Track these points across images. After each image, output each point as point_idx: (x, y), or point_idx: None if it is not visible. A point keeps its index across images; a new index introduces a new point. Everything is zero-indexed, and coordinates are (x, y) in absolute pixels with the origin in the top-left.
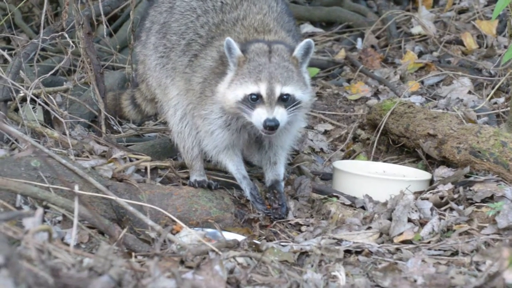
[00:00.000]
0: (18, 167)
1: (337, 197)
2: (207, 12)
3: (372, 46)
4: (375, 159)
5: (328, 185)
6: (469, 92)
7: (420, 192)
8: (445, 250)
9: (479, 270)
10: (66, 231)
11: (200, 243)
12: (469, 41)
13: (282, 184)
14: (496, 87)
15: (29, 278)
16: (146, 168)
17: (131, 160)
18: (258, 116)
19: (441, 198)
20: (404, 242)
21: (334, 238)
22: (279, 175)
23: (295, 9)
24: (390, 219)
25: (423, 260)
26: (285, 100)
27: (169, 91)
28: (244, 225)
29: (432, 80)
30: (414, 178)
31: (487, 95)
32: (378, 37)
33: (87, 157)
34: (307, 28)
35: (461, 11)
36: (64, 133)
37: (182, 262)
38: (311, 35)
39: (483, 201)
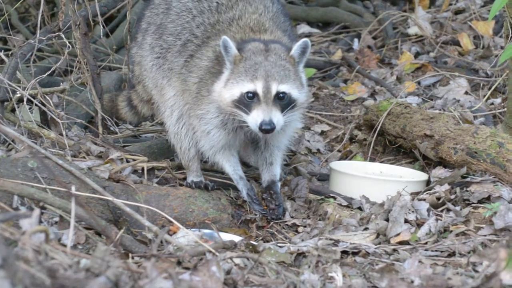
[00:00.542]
0: (15, 168)
1: (334, 198)
2: (202, 12)
3: (369, 47)
4: (372, 159)
5: (325, 186)
6: (466, 93)
7: (417, 193)
8: (442, 251)
9: (476, 271)
10: (63, 232)
11: (197, 244)
12: (466, 41)
13: (279, 184)
14: (493, 87)
15: (26, 279)
16: (143, 169)
17: (128, 161)
18: (254, 119)
19: (438, 199)
20: (401, 243)
21: (331, 239)
22: (275, 176)
23: (291, 10)
24: (387, 220)
25: (420, 261)
26: (282, 99)
27: (166, 92)
28: (241, 226)
29: (429, 80)
30: (411, 179)
31: (484, 96)
32: (374, 38)
33: (84, 157)
34: (304, 28)
35: (458, 12)
36: (61, 134)
37: (179, 263)
38: (307, 35)
39: (480, 202)
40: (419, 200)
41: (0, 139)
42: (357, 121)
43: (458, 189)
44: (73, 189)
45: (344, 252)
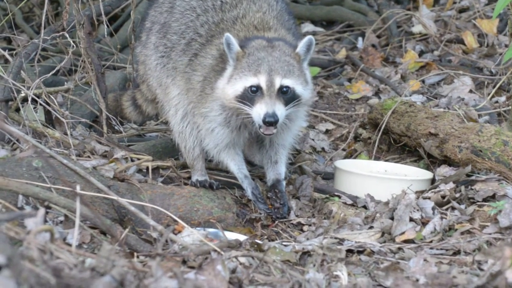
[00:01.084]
0: (19, 167)
1: (339, 197)
2: (206, 11)
3: (373, 45)
4: (377, 158)
5: (330, 185)
6: (470, 91)
7: (422, 192)
8: (447, 249)
9: (481, 269)
10: (68, 231)
11: (202, 243)
12: (470, 40)
13: (284, 183)
14: (497, 86)
15: (31, 279)
16: (147, 168)
17: (132, 160)
18: (257, 112)
19: (443, 197)
20: (406, 241)
21: (336, 238)
22: (280, 174)
23: (295, 9)
24: (392, 218)
25: (425, 260)
26: (285, 93)
27: (170, 91)
28: (246, 225)
29: (433, 79)
30: (416, 177)
31: (488, 94)
32: (378, 36)
33: (89, 157)
34: (308, 27)
35: (462, 10)
36: (66, 133)
37: (184, 262)
38: (311, 34)
39: (485, 200)
40: (424, 198)
41: (5, 138)
42: (362, 120)
43: (463, 188)
44: (78, 189)
45: (349, 251)
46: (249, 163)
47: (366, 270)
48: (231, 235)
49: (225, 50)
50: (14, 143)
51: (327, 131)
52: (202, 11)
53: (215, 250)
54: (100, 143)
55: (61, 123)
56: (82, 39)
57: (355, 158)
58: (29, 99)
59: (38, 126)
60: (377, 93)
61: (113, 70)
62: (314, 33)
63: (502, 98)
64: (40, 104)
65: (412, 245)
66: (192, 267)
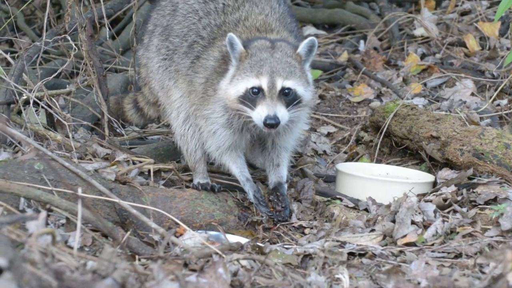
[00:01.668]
0: (21, 170)
1: (341, 200)
2: (209, 14)
3: (375, 48)
4: (378, 161)
5: (331, 188)
6: (472, 94)
7: (424, 194)
8: (448, 253)
9: (483, 273)
10: (70, 234)
11: (204, 246)
12: (472, 43)
13: (285, 186)
14: (499, 89)
15: (32, 281)
16: (149, 171)
17: (134, 163)
18: (258, 114)
19: (445, 200)
20: (408, 244)
21: (337, 241)
22: (282, 177)
23: (297, 11)
24: (394, 221)
25: (426, 263)
26: (287, 95)
27: (172, 94)
28: (248, 228)
29: (435, 82)
30: (417, 180)
31: (490, 97)
32: (380, 39)
33: (90, 160)
34: (310, 30)
35: (464, 13)
36: (67, 136)
37: (185, 265)
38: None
39: (487, 203)
40: (426, 201)
41: (7, 141)
42: (363, 123)
43: (464, 191)
44: (79, 191)
45: (350, 254)
46: (251, 166)
47: (368, 273)
48: (233, 238)
49: (228, 50)
50: (16, 146)
51: (328, 134)
52: (204, 14)
53: (216, 253)
54: (101, 145)
55: (62, 125)
56: (84, 42)
57: (356, 161)
58: (31, 101)
59: (40, 128)
60: (378, 96)
61: (115, 73)
62: (316, 36)
63: (504, 101)
64: (42, 107)
65: (414, 248)
66: (193, 270)
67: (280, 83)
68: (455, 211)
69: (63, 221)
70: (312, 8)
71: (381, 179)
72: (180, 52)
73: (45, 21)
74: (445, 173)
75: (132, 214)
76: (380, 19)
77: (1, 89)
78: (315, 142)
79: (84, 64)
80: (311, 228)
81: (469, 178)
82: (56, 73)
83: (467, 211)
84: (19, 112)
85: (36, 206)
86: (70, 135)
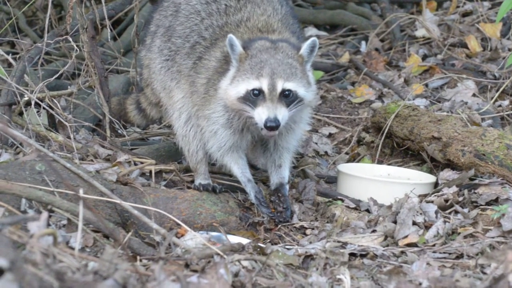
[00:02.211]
0: (22, 171)
1: (342, 200)
2: (211, 14)
3: (376, 49)
4: (380, 162)
5: (333, 188)
6: (474, 95)
7: (425, 195)
8: (450, 253)
9: (484, 273)
10: (71, 235)
11: (205, 247)
12: (473, 44)
13: (287, 187)
14: (501, 89)
15: (34, 282)
16: (150, 172)
17: (135, 164)
18: (259, 116)
19: (446, 201)
20: (409, 245)
21: (339, 241)
22: (284, 178)
23: (299, 13)
24: (395, 222)
25: (428, 263)
26: (287, 97)
27: (174, 94)
28: (249, 229)
29: (437, 83)
30: (419, 181)
31: (492, 98)
32: (382, 40)
33: (92, 160)
34: (311, 31)
35: (465, 14)
36: (69, 137)
37: (187, 265)
38: None
39: (488, 204)
40: (427, 202)
41: (8, 142)
42: (365, 124)
43: (466, 191)
44: (81, 192)
45: (352, 254)
46: (252, 166)
47: (369, 274)
48: (234, 239)
49: (229, 50)
50: (17, 147)
51: (330, 135)
52: (206, 15)
53: (218, 254)
54: (103, 146)
55: (64, 126)
56: (86, 43)
57: (358, 161)
58: (33, 103)
59: (41, 129)
60: (380, 97)
61: (116, 74)
62: (317, 37)
63: (506, 102)
64: (44, 108)
65: (415, 249)
66: (195, 271)
67: (280, 85)
68: (456, 212)
69: (65, 222)
70: (314, 9)
71: (382, 180)
72: (182, 53)
73: (47, 22)
74: (447, 174)
75: (133, 215)
76: (381, 20)
77: (3, 90)
78: (316, 143)
79: (85, 65)
80: (313, 228)
81: (471, 179)
82: (58, 74)
83: (469, 211)
84: (21, 113)
85: (37, 207)
86: (72, 136)
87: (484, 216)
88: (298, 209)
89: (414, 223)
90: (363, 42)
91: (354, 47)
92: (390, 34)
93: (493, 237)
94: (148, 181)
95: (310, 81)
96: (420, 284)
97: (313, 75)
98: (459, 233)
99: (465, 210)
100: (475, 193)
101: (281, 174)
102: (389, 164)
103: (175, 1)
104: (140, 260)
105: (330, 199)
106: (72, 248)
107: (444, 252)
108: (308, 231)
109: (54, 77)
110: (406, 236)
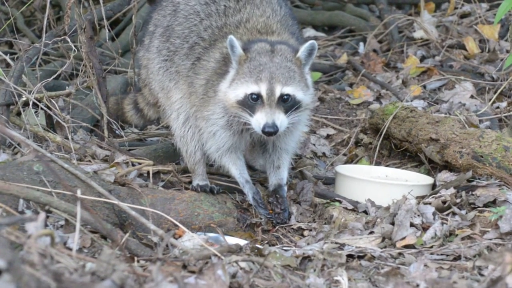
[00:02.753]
0: (20, 171)
1: (340, 202)
2: (210, 15)
3: (374, 51)
4: (378, 163)
5: (331, 190)
6: (472, 97)
7: (423, 197)
8: (447, 255)
9: (482, 275)
10: (69, 235)
11: (203, 248)
12: (471, 45)
13: (285, 188)
14: (499, 91)
15: (31, 283)
16: (148, 173)
17: (133, 165)
18: (257, 121)
19: (444, 202)
20: (407, 246)
21: (336, 243)
22: (282, 180)
23: (297, 13)
24: (393, 223)
25: (425, 265)
26: (286, 101)
27: (172, 95)
28: (247, 230)
29: (434, 84)
30: (417, 182)
31: (490, 100)
32: (380, 42)
33: (90, 161)
34: (309, 32)
35: (463, 16)
36: (67, 138)
37: (184, 266)
38: (313, 39)
39: (486, 205)
40: (425, 204)
41: (6, 142)
42: (363, 125)
43: (463, 193)
44: (78, 193)
45: (349, 256)
46: (250, 168)
47: (367, 275)
48: (232, 240)
49: (229, 51)
50: (15, 147)
51: (328, 136)
52: (205, 16)
53: (215, 255)
54: (101, 147)
55: (62, 127)
56: (84, 44)
57: (356, 163)
58: (30, 103)
59: (39, 130)
60: (378, 98)
61: (114, 75)
62: (315, 38)
63: (503, 104)
64: (41, 108)
65: (413, 250)
66: (192, 272)
67: (279, 90)
68: (454, 214)
69: (62, 222)
70: (312, 10)
71: (380, 181)
72: (181, 53)
73: (45, 22)
74: (444, 176)
75: (131, 216)
76: (379, 21)
77: (1, 91)
78: (314, 144)
79: (83, 65)
80: (310, 230)
81: (468, 181)
82: (56, 75)
83: (466, 213)
84: (19, 114)
85: (35, 207)
86: (70, 137)
87: (481, 218)
88: (296, 211)
89: (411, 225)
90: (361, 43)
91: (352, 48)
92: (388, 35)
93: (490, 239)
94: (146, 182)
95: (308, 84)
96: (418, 285)
97: (311, 77)
98: (457, 235)
99: (463, 212)
100: (472, 194)
101: (279, 175)
102: (387, 166)
103: (174, 2)
104: (138, 261)
105: (328, 201)
106: (70, 249)
107: (442, 254)
108: (305, 233)
109: (52, 78)
110: (403, 238)
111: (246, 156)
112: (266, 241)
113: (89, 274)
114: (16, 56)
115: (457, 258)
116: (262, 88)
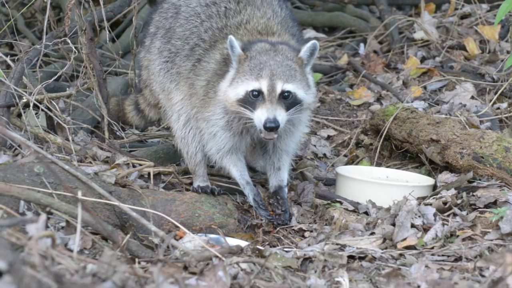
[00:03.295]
0: (21, 173)
1: (340, 203)
2: (211, 17)
3: (375, 52)
4: (378, 164)
5: (331, 191)
6: (472, 97)
7: (423, 198)
8: (448, 256)
9: (483, 276)
10: (70, 237)
11: (204, 249)
12: (472, 46)
13: (286, 189)
14: (499, 92)
15: (32, 284)
16: (149, 174)
17: (134, 166)
18: (258, 117)
19: (444, 203)
20: (408, 247)
21: (337, 244)
22: (282, 181)
23: (297, 15)
24: (394, 224)
25: (426, 266)
26: (287, 98)
27: (173, 96)
28: (247, 231)
29: (435, 85)
30: (417, 183)
31: (490, 100)
32: (380, 42)
33: (90, 163)
34: (310, 33)
35: (464, 16)
36: (67, 139)
37: (185, 268)
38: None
39: (486, 206)
40: (426, 205)
41: (7, 144)
42: (363, 126)
43: (464, 194)
44: (79, 194)
45: (350, 257)
46: (251, 169)
47: (368, 276)
48: (233, 241)
49: (229, 52)
50: (15, 149)
51: (328, 137)
52: (206, 17)
53: (216, 256)
54: (101, 148)
55: (62, 128)
56: (84, 45)
57: (356, 164)
58: (31, 104)
59: (40, 131)
60: (378, 99)
61: (115, 76)
62: (316, 39)
63: (504, 105)
64: (42, 110)
65: (414, 251)
66: (193, 273)
67: (280, 86)
68: (455, 215)
69: (63, 224)
70: (312, 11)
71: (381, 182)
72: (182, 54)
73: (45, 24)
74: (445, 177)
75: (132, 217)
76: (380, 22)
77: (1, 92)
78: (315, 145)
79: (84, 67)
80: (311, 231)
81: (469, 182)
82: (56, 76)
83: (467, 214)
84: (19, 115)
85: (36, 209)
86: (70, 138)
87: (482, 218)
88: (297, 212)
89: (412, 226)
90: (362, 44)
91: (353, 49)
92: (388, 36)
93: (491, 240)
94: (146, 183)
95: (310, 84)
96: (419, 286)
97: (313, 77)
98: (458, 236)
99: (464, 213)
100: (473, 195)
101: (280, 176)
102: (387, 167)
103: (176, 3)
104: (139, 262)
105: (329, 202)
106: (71, 250)
107: (443, 255)
108: (306, 234)
109: (52, 79)
110: (404, 239)
111: (247, 158)
112: (267, 242)
113: (90, 275)
114: (16, 57)
115: (458, 259)
116: (263, 85)
